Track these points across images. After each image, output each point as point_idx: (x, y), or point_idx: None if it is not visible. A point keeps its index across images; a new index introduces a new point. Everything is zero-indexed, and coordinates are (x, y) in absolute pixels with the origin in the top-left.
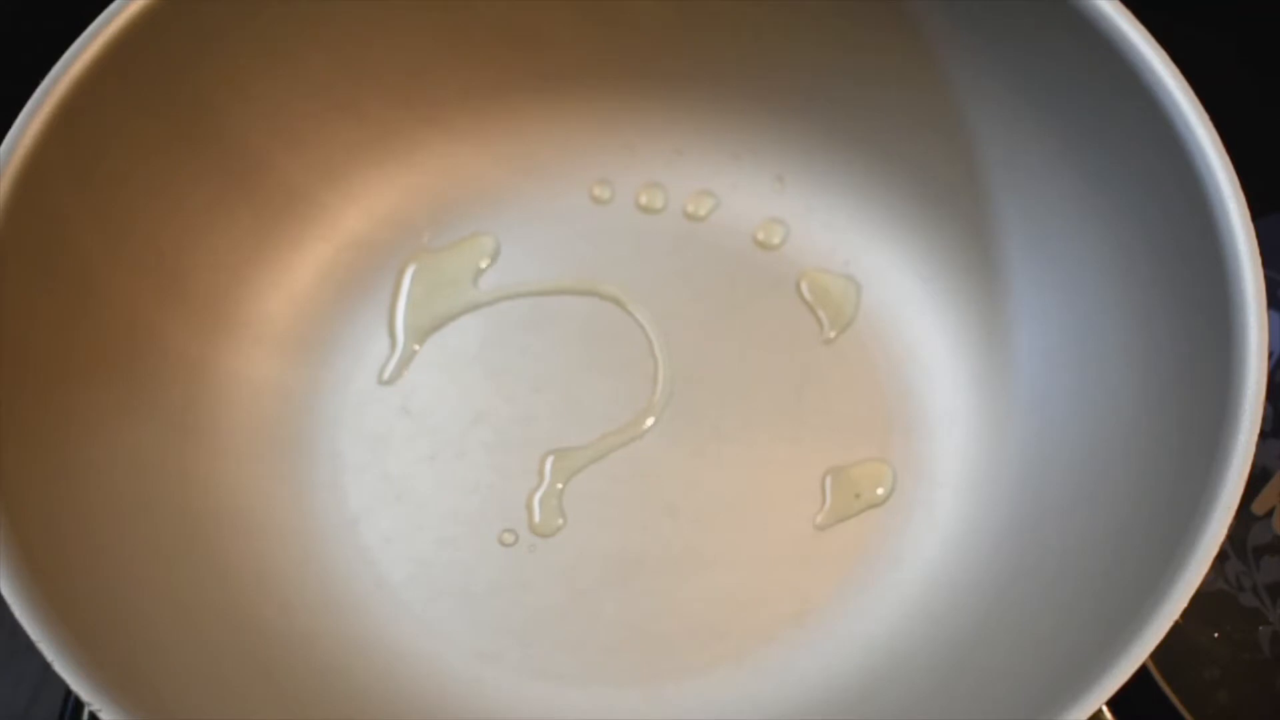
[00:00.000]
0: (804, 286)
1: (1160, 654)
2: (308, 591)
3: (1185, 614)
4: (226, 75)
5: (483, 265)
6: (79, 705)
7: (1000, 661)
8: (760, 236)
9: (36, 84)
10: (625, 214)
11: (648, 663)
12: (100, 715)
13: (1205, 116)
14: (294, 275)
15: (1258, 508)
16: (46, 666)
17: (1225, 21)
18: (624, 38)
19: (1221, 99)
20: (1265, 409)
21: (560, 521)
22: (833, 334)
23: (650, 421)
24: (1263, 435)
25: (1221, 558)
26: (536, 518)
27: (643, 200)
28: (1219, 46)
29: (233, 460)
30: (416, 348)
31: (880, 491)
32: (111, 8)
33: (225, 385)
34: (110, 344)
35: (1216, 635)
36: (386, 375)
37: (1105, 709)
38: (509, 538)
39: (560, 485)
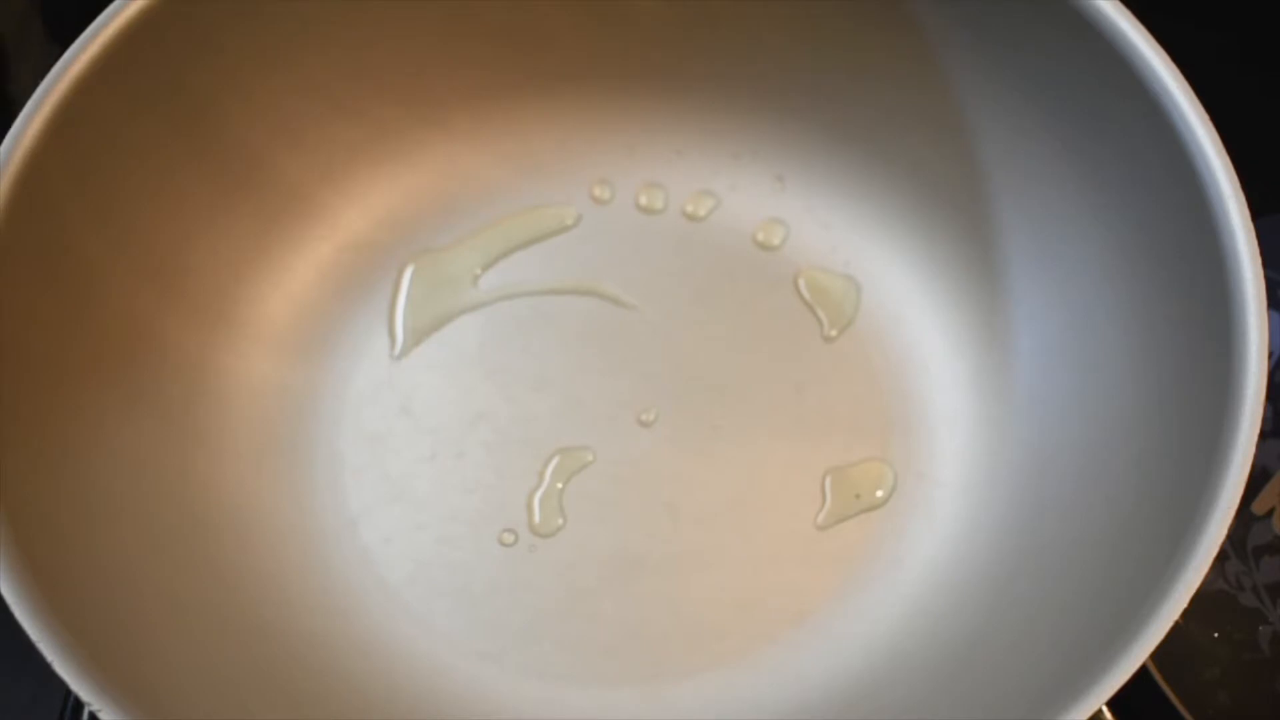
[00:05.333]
0: (804, 286)
1: (1160, 654)
2: (308, 591)
3: (1185, 614)
4: (226, 75)
5: (568, 223)
6: (79, 705)
7: (1000, 661)
8: (760, 236)
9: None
10: (625, 214)
11: (648, 663)
12: (100, 715)
13: (1205, 116)
14: (294, 275)
15: (1258, 508)
16: (46, 666)
17: (1225, 21)
18: (624, 38)
19: (1221, 99)
20: (1265, 409)
21: (560, 521)
22: (833, 334)
23: (650, 421)
24: (1263, 435)
25: (1221, 558)
26: (536, 518)
27: (643, 200)
28: (1219, 46)
29: (232, 460)
30: (416, 348)
31: (880, 492)
32: (111, 8)
33: (225, 385)
34: (110, 344)
35: (1216, 635)
36: (386, 375)
37: (1105, 709)
38: (509, 538)
39: (560, 485)
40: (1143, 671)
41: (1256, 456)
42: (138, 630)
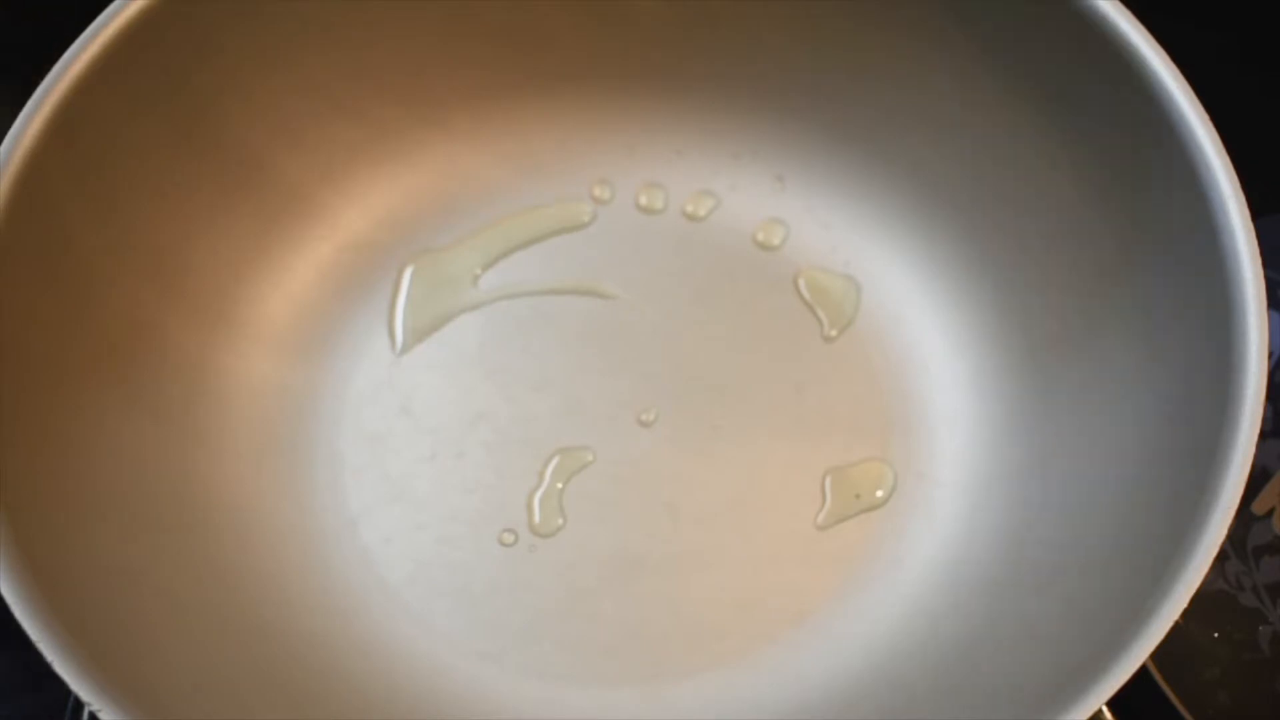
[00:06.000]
0: (804, 286)
1: (1160, 654)
2: (308, 591)
3: (1185, 614)
4: (226, 75)
5: (584, 220)
6: (79, 705)
7: (1000, 661)
8: (760, 237)
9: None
10: (625, 214)
11: (648, 663)
12: (100, 715)
13: (1205, 116)
14: (294, 275)
15: (1258, 508)
16: (47, 666)
17: (1225, 21)
18: (624, 38)
19: (1221, 99)
20: (1265, 409)
21: (560, 521)
22: (833, 334)
23: (650, 421)
24: (1263, 435)
25: (1221, 558)
26: (536, 518)
27: (643, 200)
28: (1219, 46)
29: (233, 460)
30: (416, 348)
31: (880, 492)
32: (111, 8)
33: (225, 385)
34: (110, 344)
35: (1216, 635)
36: (386, 375)
37: (1105, 709)
38: (509, 538)
39: (560, 485)
40: (1143, 671)
41: (1256, 456)
42: (138, 630)
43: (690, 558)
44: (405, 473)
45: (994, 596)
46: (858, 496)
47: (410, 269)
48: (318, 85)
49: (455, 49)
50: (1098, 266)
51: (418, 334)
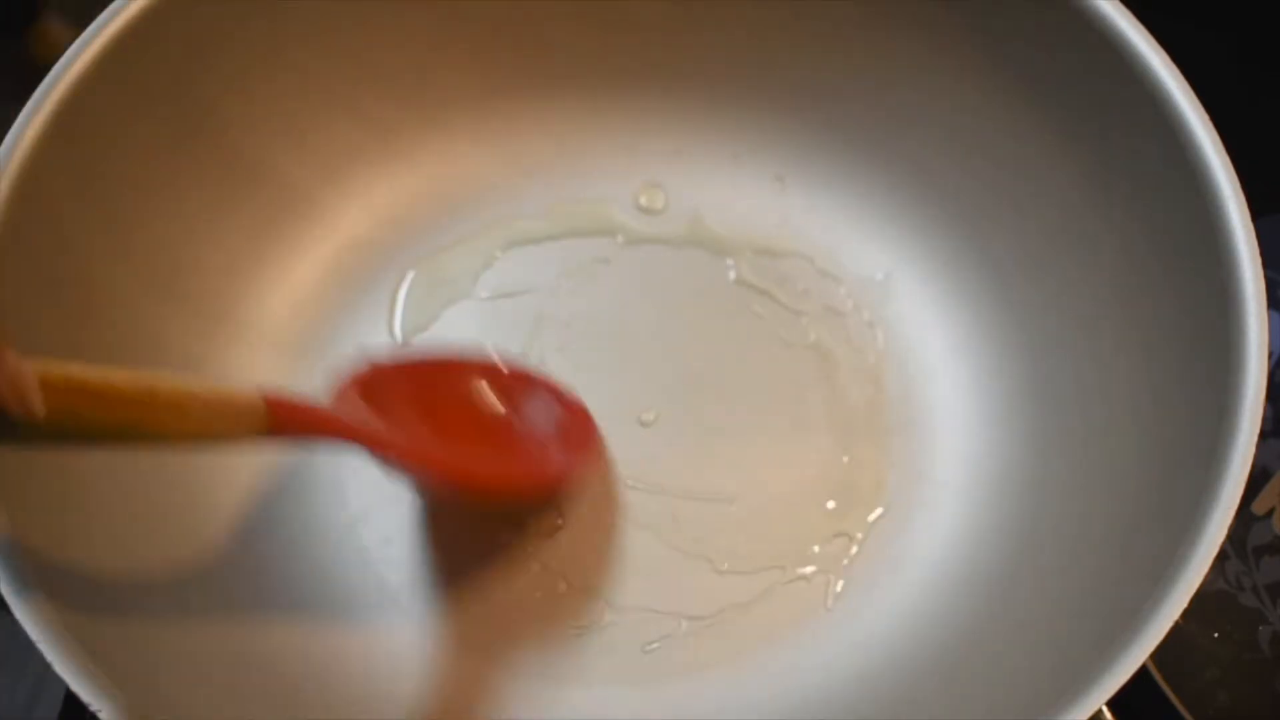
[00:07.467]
0: (804, 287)
1: (1160, 654)
2: (308, 591)
3: (1185, 614)
4: (227, 75)
5: (642, 201)
6: (79, 705)
7: (1000, 662)
8: (760, 236)
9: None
10: (625, 214)
11: (648, 663)
12: (100, 715)
13: (1205, 116)
14: (294, 275)
15: (1258, 508)
16: (47, 666)
17: (1225, 21)
18: (624, 38)
19: (1221, 99)
20: (1265, 409)
21: (559, 521)
22: (833, 334)
23: (650, 421)
24: (1263, 435)
25: (1221, 558)
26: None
27: (643, 200)
28: (1219, 46)
29: (233, 461)
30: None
31: (880, 491)
32: (111, 8)
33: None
34: (110, 344)
35: (1216, 635)
36: None
37: (1105, 709)
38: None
39: None
40: (1143, 671)
41: (1256, 456)
42: (138, 630)
43: (690, 558)
44: None
45: (994, 596)
46: (858, 496)
47: (411, 270)
48: (318, 86)
49: (455, 50)
50: (1098, 267)
51: (418, 333)
